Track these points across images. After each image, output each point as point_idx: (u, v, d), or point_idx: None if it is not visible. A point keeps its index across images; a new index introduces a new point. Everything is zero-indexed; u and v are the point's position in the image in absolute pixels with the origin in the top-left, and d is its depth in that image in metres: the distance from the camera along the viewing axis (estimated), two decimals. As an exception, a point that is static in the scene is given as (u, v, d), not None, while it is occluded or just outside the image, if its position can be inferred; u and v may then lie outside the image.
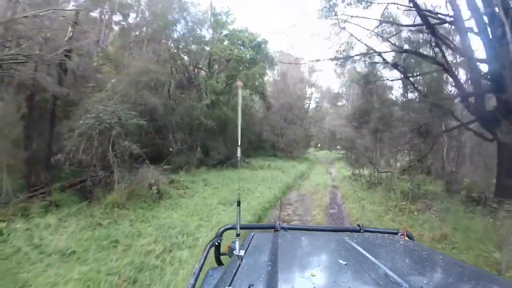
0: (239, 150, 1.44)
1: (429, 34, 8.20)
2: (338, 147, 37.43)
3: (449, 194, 8.43)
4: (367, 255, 1.00)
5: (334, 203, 9.06)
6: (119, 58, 11.73)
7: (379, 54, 8.88)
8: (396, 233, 1.48)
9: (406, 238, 1.41)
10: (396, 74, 11.70)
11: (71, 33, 7.77)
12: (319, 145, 40.35)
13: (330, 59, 9.09)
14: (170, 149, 12.98)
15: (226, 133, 15.77)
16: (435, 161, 11.81)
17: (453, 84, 9.77)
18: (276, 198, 8.75)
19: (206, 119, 13.43)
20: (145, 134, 14.37)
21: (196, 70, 15.99)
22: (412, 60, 9.44)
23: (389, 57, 11.01)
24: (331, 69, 60.83)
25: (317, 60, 9.36)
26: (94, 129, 7.11)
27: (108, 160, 7.46)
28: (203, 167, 13.56)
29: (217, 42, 14.97)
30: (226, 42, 14.79)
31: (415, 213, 6.77)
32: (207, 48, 14.78)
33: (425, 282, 0.82)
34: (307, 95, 29.42)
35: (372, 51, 8.73)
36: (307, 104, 29.51)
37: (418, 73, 9.44)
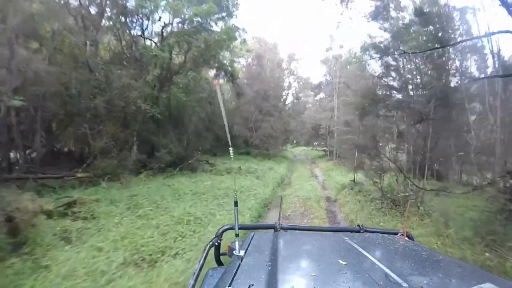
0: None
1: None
2: (315, 143, 34.74)
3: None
4: (367, 255, 0.99)
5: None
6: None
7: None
8: (396, 233, 1.43)
9: (406, 238, 1.38)
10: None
11: None
12: (294, 141, 37.43)
13: None
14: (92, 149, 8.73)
15: (182, 125, 11.74)
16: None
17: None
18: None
19: (148, 104, 9.32)
20: (57, 126, 9.92)
21: (144, 40, 11.69)
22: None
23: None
24: (311, 59, 58.67)
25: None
26: None
27: None
28: (145, 172, 9.52)
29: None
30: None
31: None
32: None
33: (425, 282, 0.80)
34: (286, 86, 26.03)
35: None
36: (285, 95, 26.16)
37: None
